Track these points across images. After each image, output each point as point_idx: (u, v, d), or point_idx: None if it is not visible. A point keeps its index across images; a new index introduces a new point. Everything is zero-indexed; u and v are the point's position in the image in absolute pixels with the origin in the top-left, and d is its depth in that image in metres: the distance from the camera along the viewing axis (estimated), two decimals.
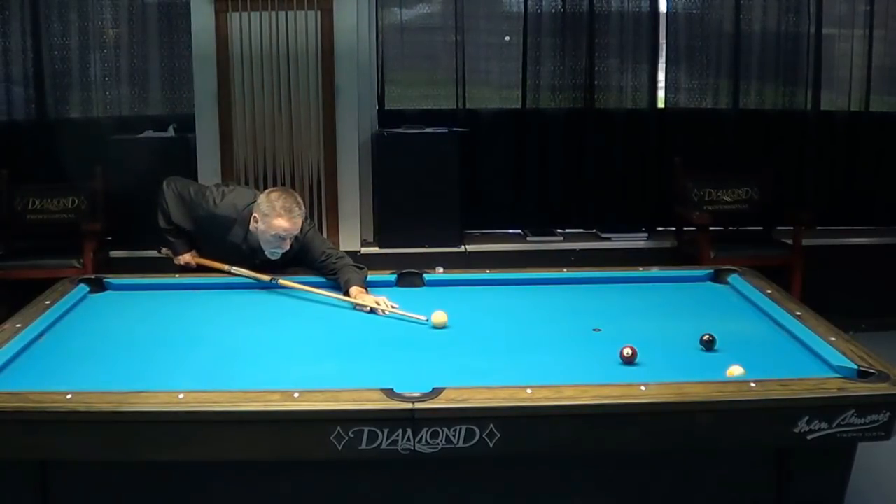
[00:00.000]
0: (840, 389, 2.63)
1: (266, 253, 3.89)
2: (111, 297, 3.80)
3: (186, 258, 4.09)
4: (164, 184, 4.11)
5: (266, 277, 3.88)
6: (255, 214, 3.86)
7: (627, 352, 2.96)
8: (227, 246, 3.98)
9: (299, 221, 3.82)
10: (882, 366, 2.75)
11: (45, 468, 2.70)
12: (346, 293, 3.71)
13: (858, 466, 2.78)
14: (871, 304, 5.56)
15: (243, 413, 2.56)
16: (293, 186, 5.44)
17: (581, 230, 6.00)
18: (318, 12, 5.38)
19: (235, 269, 3.94)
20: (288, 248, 3.86)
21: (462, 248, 5.65)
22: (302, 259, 3.97)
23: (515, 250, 5.71)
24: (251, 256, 3.95)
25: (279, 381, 2.72)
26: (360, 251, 5.57)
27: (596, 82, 5.93)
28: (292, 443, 2.59)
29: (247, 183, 5.40)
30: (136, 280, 3.99)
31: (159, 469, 2.72)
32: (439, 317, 3.36)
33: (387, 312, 3.55)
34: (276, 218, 3.77)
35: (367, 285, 3.77)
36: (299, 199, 3.88)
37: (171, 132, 5.63)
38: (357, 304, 3.63)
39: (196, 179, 5.45)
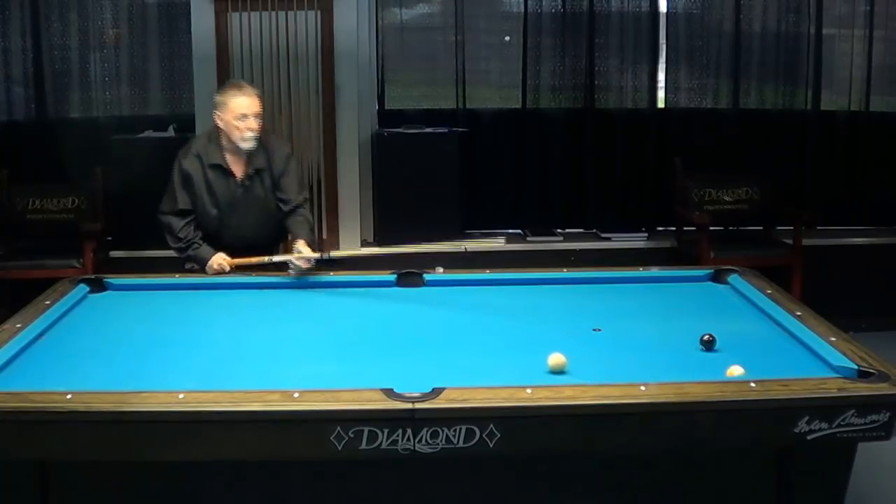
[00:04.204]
0: (840, 389, 2.63)
1: (241, 146, 3.96)
2: (111, 297, 3.79)
3: (218, 261, 4.00)
4: (160, 217, 4.14)
5: (313, 254, 3.90)
6: (214, 117, 3.98)
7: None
8: (212, 180, 4.03)
9: (253, 94, 3.96)
10: (882, 366, 2.75)
11: (45, 468, 2.70)
12: (292, 242, 3.94)
13: (858, 466, 2.78)
14: (871, 304, 5.56)
15: (243, 413, 2.56)
16: None
17: (581, 230, 6.01)
18: (318, 12, 5.39)
19: (276, 258, 3.96)
20: (255, 127, 3.94)
21: (462, 248, 5.64)
22: (276, 182, 4.08)
23: (515, 250, 5.71)
24: (235, 186, 4.03)
25: (279, 381, 2.72)
26: (360, 251, 5.57)
27: (596, 82, 5.94)
28: (292, 443, 2.59)
29: None
30: (136, 280, 3.98)
31: (159, 469, 2.72)
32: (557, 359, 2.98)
33: (304, 266, 3.81)
34: (231, 99, 3.92)
35: (367, 285, 3.79)
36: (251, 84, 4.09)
37: (171, 132, 5.63)
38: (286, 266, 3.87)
39: None
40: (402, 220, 5.58)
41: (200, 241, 4.06)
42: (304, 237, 3.95)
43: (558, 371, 2.88)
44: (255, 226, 4.11)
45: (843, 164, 6.06)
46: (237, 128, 3.93)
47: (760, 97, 6.06)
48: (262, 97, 4.06)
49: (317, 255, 3.89)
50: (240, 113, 3.91)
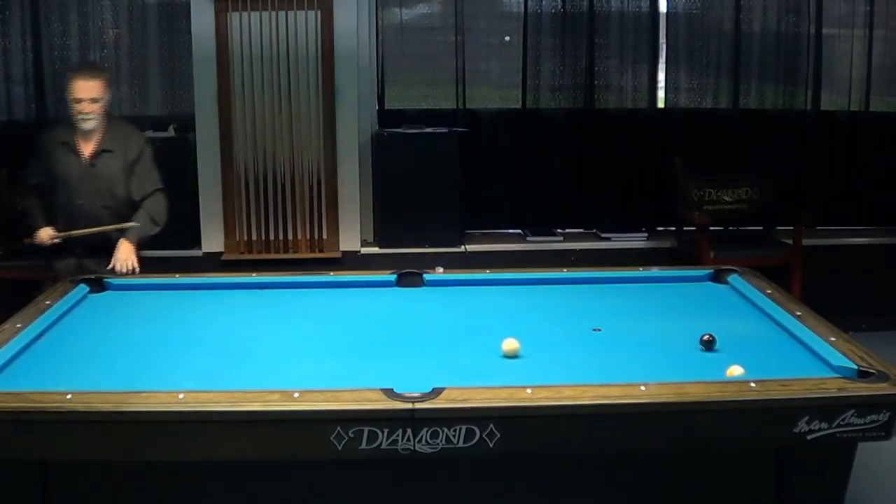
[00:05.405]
0: (840, 389, 2.64)
1: (80, 126, 4.18)
2: (111, 297, 3.80)
3: (41, 235, 4.19)
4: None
5: (124, 264, 4.09)
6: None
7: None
8: (61, 157, 4.22)
9: (93, 79, 4.17)
10: (882, 366, 2.75)
11: (45, 468, 2.70)
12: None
13: (858, 466, 2.78)
14: (871, 304, 5.56)
15: (243, 413, 2.56)
16: (293, 186, 5.45)
17: (581, 230, 6.00)
18: (318, 12, 5.38)
19: (96, 229, 4.15)
20: (87, 111, 4.14)
21: (462, 248, 5.65)
22: (133, 170, 4.29)
23: (515, 250, 5.71)
24: (82, 165, 4.20)
25: (279, 381, 2.72)
26: (360, 251, 5.57)
27: (596, 82, 5.93)
28: (292, 443, 2.59)
29: (246, 183, 5.42)
30: (136, 280, 3.99)
31: (159, 469, 2.72)
32: (510, 344, 3.09)
33: (125, 272, 4.05)
34: (71, 81, 4.18)
35: (367, 285, 3.79)
36: (102, 67, 4.46)
37: (171, 132, 5.62)
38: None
39: (196, 179, 5.49)
40: (402, 220, 5.58)
41: (37, 213, 4.29)
42: (128, 237, 4.17)
43: (512, 356, 3.00)
44: (100, 206, 4.22)
45: (843, 164, 6.05)
46: (74, 109, 4.17)
47: (760, 97, 6.05)
48: (107, 81, 4.25)
49: (124, 268, 4.10)
50: (75, 96, 4.16)
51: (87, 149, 4.23)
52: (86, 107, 4.15)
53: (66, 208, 4.22)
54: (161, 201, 4.35)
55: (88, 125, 4.18)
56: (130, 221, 4.20)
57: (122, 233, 4.20)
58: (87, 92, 4.15)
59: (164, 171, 5.22)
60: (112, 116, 4.33)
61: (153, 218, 4.28)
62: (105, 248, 4.18)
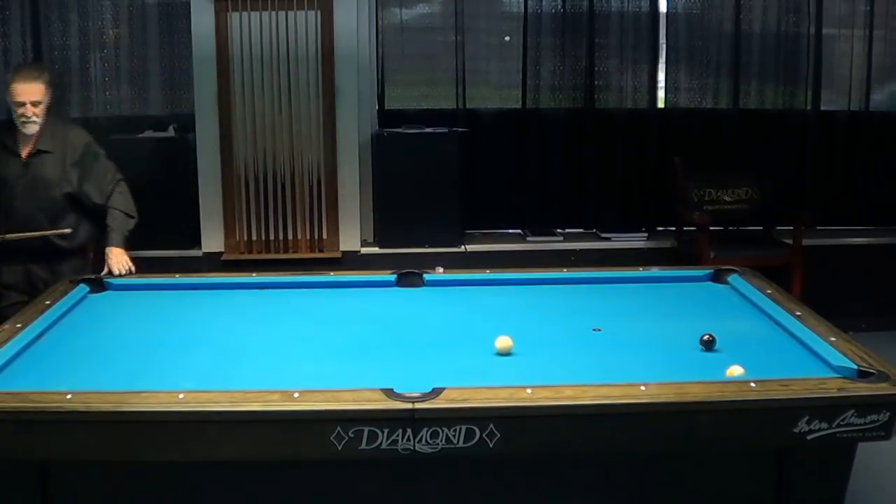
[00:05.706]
0: (840, 389, 2.64)
1: (22, 130, 4.09)
2: (111, 297, 3.80)
3: None
4: None
5: (118, 266, 4.04)
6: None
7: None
8: (1, 158, 4.15)
9: (33, 81, 4.08)
10: (882, 366, 2.75)
11: (46, 468, 2.70)
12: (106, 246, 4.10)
13: (858, 466, 2.78)
14: (871, 304, 5.56)
15: (243, 413, 2.56)
16: (293, 186, 5.45)
17: (581, 230, 6.00)
18: (318, 12, 5.38)
19: (47, 233, 4.10)
20: (29, 113, 4.04)
21: (462, 248, 5.65)
22: (86, 174, 4.20)
23: (515, 250, 5.71)
24: (18, 165, 4.12)
25: (279, 381, 2.72)
26: (360, 251, 5.57)
27: (596, 82, 5.93)
28: (292, 443, 2.59)
29: (246, 183, 5.41)
30: (136, 280, 3.99)
31: (159, 469, 2.72)
32: (504, 342, 3.11)
33: (122, 273, 3.99)
34: (10, 84, 4.07)
35: (367, 285, 3.78)
36: (43, 68, 4.39)
37: (171, 132, 5.63)
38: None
39: (196, 180, 5.49)
40: (402, 220, 5.58)
41: None
42: (114, 243, 4.11)
43: (505, 353, 3.02)
44: (36, 206, 4.15)
45: (843, 164, 6.05)
46: (15, 112, 4.08)
47: (760, 97, 6.05)
48: (47, 83, 4.15)
49: (122, 270, 4.04)
50: (15, 99, 4.07)
51: (24, 150, 4.15)
52: (28, 110, 4.06)
53: (6, 210, 4.14)
54: (125, 191, 4.28)
55: (30, 129, 4.10)
56: (66, 228, 4.14)
57: (61, 239, 4.15)
58: (28, 95, 4.06)
59: (164, 171, 5.25)
60: (53, 115, 4.22)
61: (126, 212, 4.23)
62: (49, 254, 4.13)
